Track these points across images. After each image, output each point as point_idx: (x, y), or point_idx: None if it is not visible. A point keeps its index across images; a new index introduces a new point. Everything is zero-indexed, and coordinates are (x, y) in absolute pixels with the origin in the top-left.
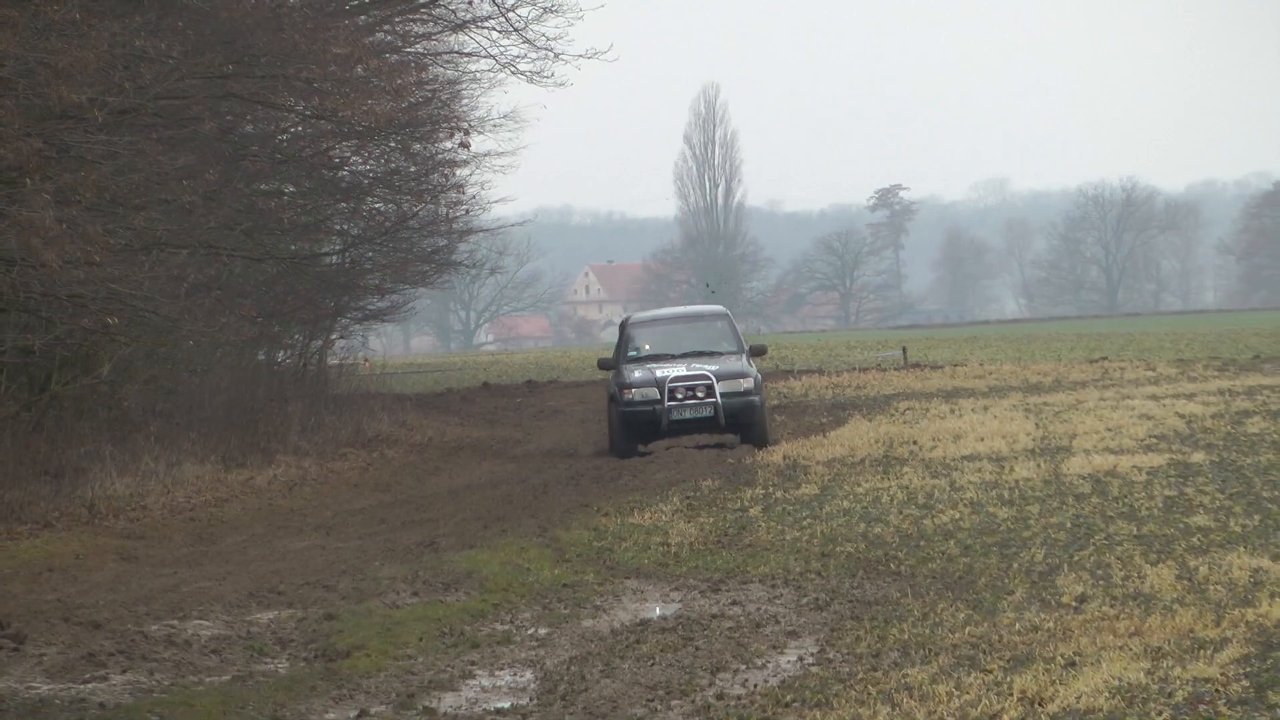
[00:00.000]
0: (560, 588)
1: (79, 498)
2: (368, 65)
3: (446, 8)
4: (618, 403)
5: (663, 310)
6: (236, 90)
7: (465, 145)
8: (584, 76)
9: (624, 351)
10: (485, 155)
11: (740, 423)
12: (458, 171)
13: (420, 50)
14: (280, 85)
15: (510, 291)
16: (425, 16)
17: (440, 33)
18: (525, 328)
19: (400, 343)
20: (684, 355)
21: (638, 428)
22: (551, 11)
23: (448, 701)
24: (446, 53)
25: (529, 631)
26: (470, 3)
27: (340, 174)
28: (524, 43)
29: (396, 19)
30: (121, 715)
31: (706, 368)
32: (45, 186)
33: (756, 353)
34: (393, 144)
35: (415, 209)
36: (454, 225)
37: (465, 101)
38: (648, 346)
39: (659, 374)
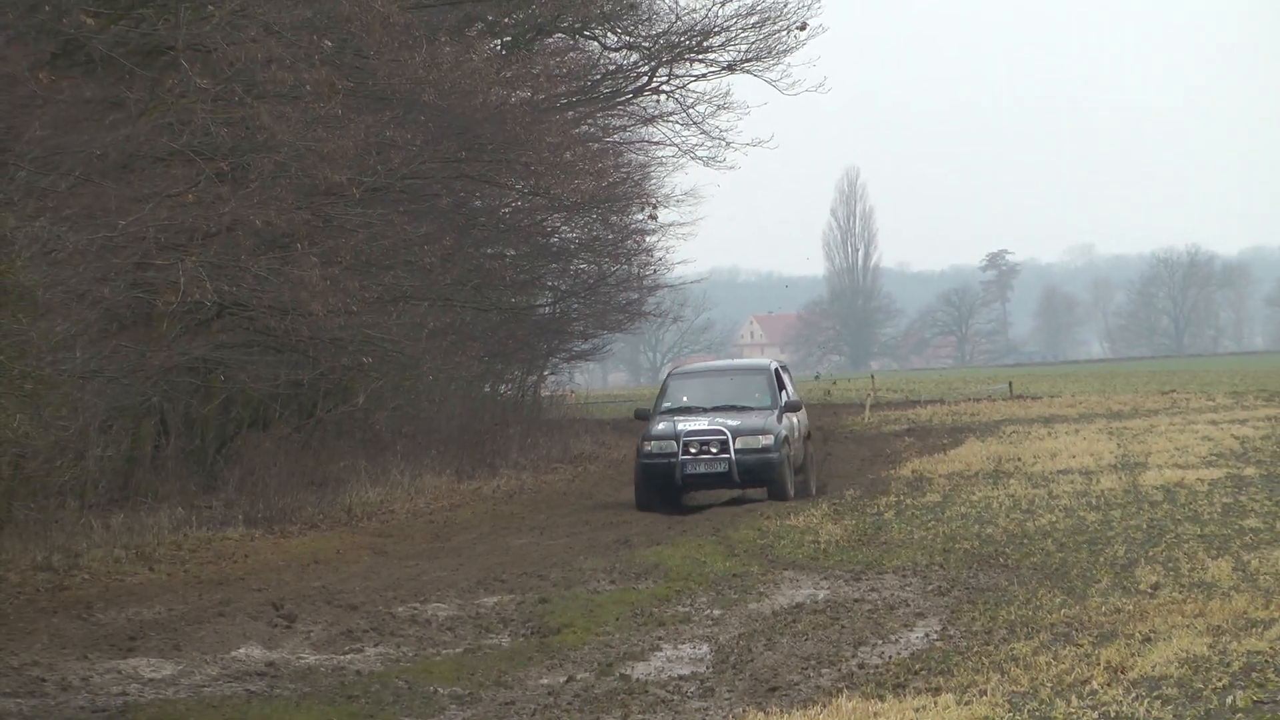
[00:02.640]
0: (730, 577)
1: (339, 503)
2: (574, 152)
3: (639, 106)
4: (639, 454)
5: (709, 363)
6: (468, 172)
7: (653, 217)
8: (749, 160)
9: (659, 403)
10: (669, 225)
11: (757, 479)
12: (647, 238)
13: (617, 139)
14: (503, 168)
15: (689, 336)
16: (621, 112)
17: (633, 125)
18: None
19: (599, 378)
20: (713, 409)
21: (654, 481)
22: (723, 109)
23: (639, 670)
24: (638, 141)
25: (705, 613)
26: (657, 101)
27: (551, 240)
28: (701, 134)
29: (598, 114)
30: (374, 681)
31: (727, 423)
32: (312, 250)
33: (791, 409)
34: (594, 216)
35: (612, 269)
36: (644, 283)
37: (653, 181)
38: (685, 399)
39: (679, 427)
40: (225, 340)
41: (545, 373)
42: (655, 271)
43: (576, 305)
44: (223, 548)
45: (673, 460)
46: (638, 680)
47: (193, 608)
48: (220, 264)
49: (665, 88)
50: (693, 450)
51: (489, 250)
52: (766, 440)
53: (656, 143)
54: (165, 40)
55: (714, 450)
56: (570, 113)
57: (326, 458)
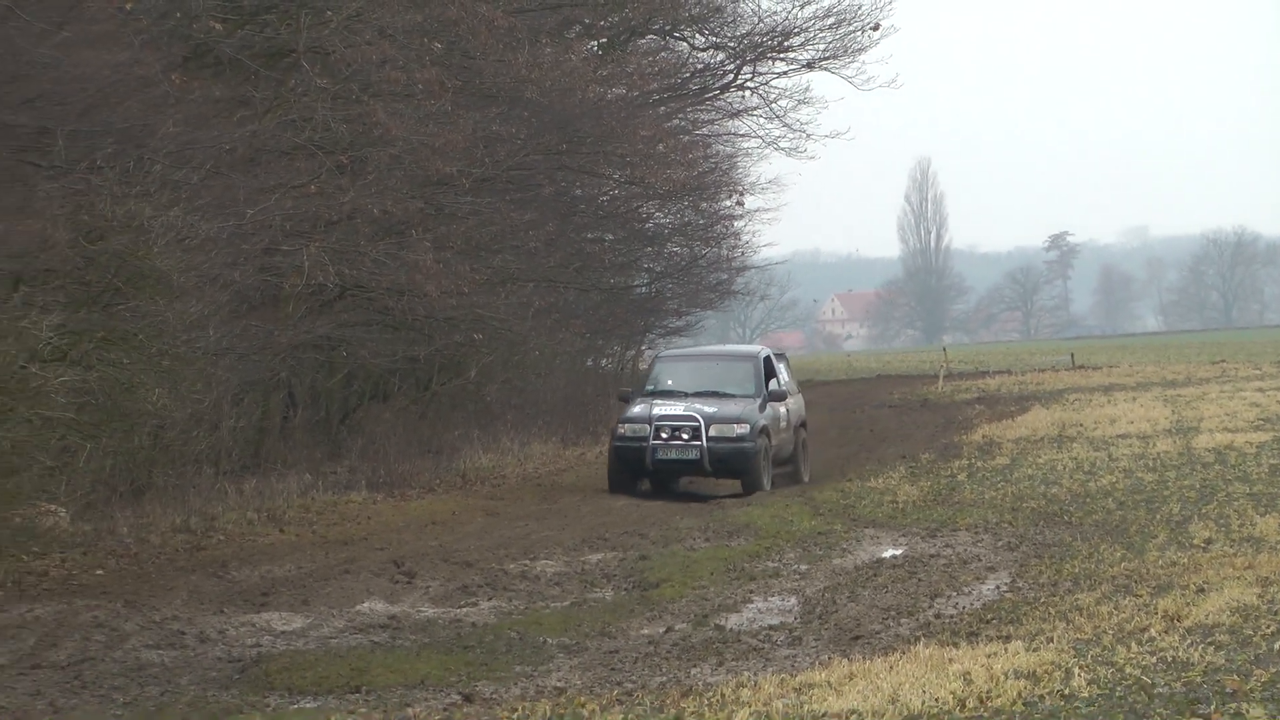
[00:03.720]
0: (816, 534)
1: (454, 469)
2: (667, 144)
3: (725, 101)
4: (612, 436)
5: (699, 347)
6: (568, 163)
7: (740, 203)
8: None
9: (644, 385)
10: (755, 211)
11: (730, 469)
12: (735, 223)
13: (706, 132)
14: (601, 159)
15: (775, 313)
16: (709, 107)
17: (720, 119)
18: (787, 340)
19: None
20: (695, 394)
21: (625, 464)
22: (804, 103)
23: (733, 620)
24: (725, 134)
25: (793, 568)
26: (743, 97)
27: (647, 226)
28: (783, 126)
29: (688, 109)
30: (488, 632)
31: (702, 409)
32: (426, 236)
33: (776, 398)
34: (686, 203)
35: (703, 252)
36: (732, 264)
37: (740, 170)
38: (670, 382)
39: (654, 411)
40: (347, 319)
41: (642, 347)
42: (743, 254)
43: (670, 285)
44: (347, 510)
45: (644, 445)
46: (731, 630)
47: (320, 566)
48: (341, 249)
49: (749, 84)
50: (664, 435)
51: (589, 235)
52: (741, 429)
53: (742, 135)
54: (288, 43)
55: (685, 436)
56: (662, 108)
57: (442, 427)
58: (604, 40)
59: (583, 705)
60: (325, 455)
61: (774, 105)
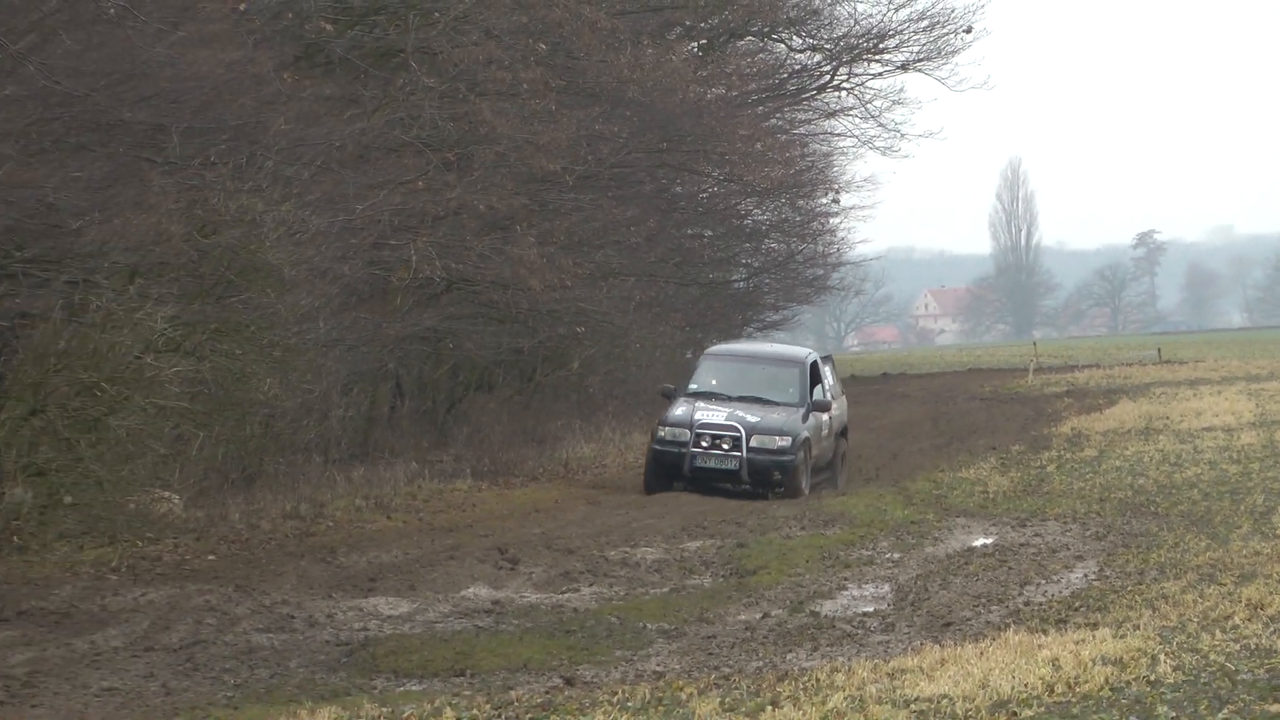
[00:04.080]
0: (908, 524)
1: (556, 458)
2: (765, 143)
3: (822, 101)
4: (652, 438)
5: (745, 345)
6: (669, 161)
7: (836, 201)
8: (921, 148)
9: (688, 383)
10: (850, 208)
11: (768, 481)
12: (831, 220)
13: (802, 132)
14: (701, 157)
15: (869, 308)
16: (806, 107)
17: (817, 119)
18: (881, 334)
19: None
20: (738, 399)
21: (664, 468)
22: (898, 104)
23: (827, 606)
24: (821, 133)
25: (886, 556)
26: (839, 98)
27: (745, 222)
28: (878, 126)
29: (785, 109)
30: (590, 617)
31: (746, 418)
32: (530, 231)
33: (819, 408)
34: (783, 200)
35: (800, 248)
36: (828, 260)
37: (836, 168)
38: (714, 382)
39: (695, 416)
40: (453, 312)
41: (740, 340)
42: (838, 250)
43: (768, 280)
44: (452, 498)
45: (684, 450)
46: (826, 616)
47: (426, 552)
48: (448, 244)
49: (845, 85)
50: (704, 444)
51: (689, 231)
52: (783, 442)
53: (838, 134)
54: (396, 44)
55: (726, 446)
56: (760, 108)
57: (545, 417)
58: (704, 42)
59: (681, 689)
60: (431, 444)
61: (869, 106)
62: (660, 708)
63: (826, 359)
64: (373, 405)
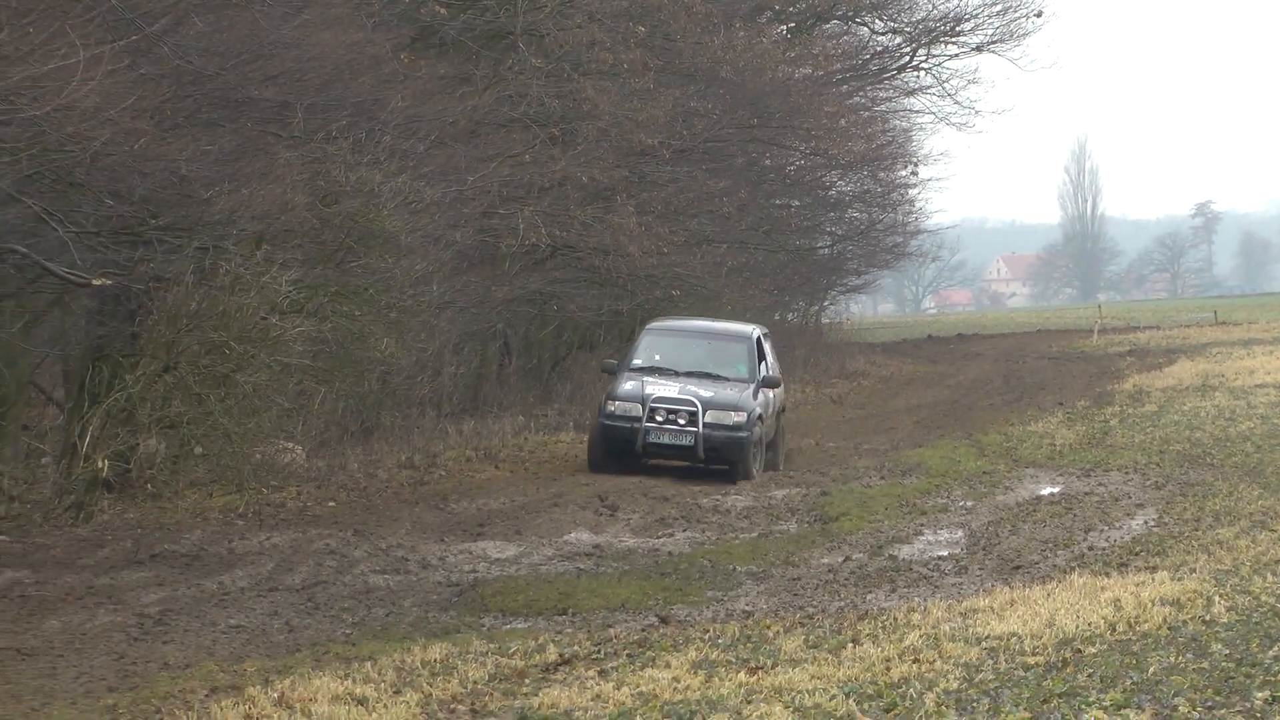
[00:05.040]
0: (981, 474)
1: None
2: (848, 119)
3: (901, 81)
4: (600, 412)
5: (689, 321)
6: (759, 136)
7: (915, 173)
8: (995, 123)
9: (629, 358)
10: (928, 180)
11: (722, 457)
12: (909, 191)
13: (883, 109)
14: (788, 133)
15: (945, 273)
16: (887, 86)
17: (897, 97)
18: (955, 297)
19: (870, 307)
20: (687, 374)
21: (614, 443)
22: (973, 82)
23: (905, 551)
24: (901, 110)
25: (960, 504)
26: (917, 77)
27: (829, 193)
28: (954, 104)
29: (867, 88)
30: (683, 560)
31: (699, 393)
32: (629, 201)
33: (769, 384)
34: (865, 172)
35: (881, 217)
36: (907, 228)
37: (914, 143)
38: (658, 358)
39: (647, 390)
40: (557, 276)
41: (825, 303)
42: (916, 219)
43: (850, 247)
44: (556, 449)
45: (636, 426)
46: (903, 560)
47: (531, 500)
48: (552, 213)
49: (924, 66)
50: (659, 418)
51: (777, 201)
52: (738, 418)
53: (917, 111)
54: (505, 26)
55: (681, 422)
56: (844, 86)
57: None
58: (792, 25)
59: (768, 627)
60: (537, 399)
61: (946, 85)
62: (749, 644)
63: (767, 335)
64: (482, 363)
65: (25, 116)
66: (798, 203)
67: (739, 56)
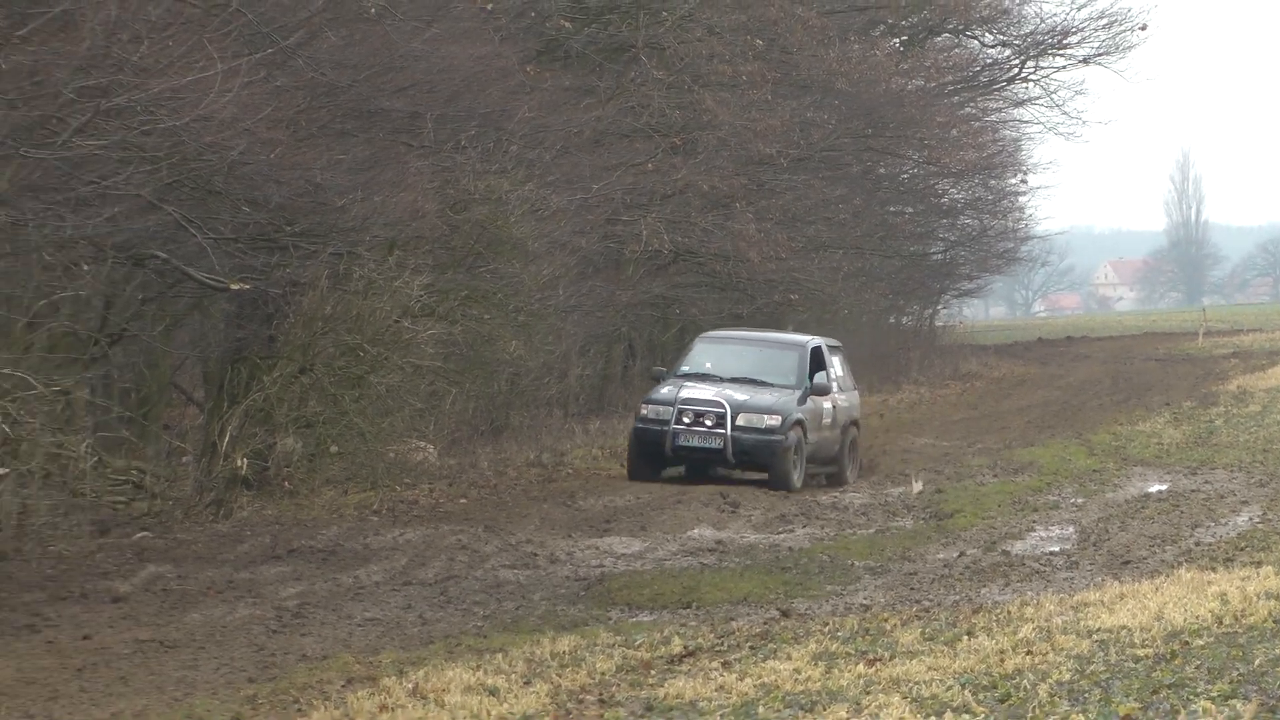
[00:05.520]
0: (1090, 472)
1: None
2: (959, 129)
3: (1011, 92)
4: (636, 418)
5: (745, 331)
6: (873, 145)
7: (1024, 181)
8: (1101, 132)
9: (679, 365)
10: (1037, 188)
11: (755, 462)
12: (1019, 198)
13: (993, 119)
14: (902, 142)
15: (1054, 277)
16: (997, 97)
17: (1006, 108)
18: (1064, 301)
19: (982, 311)
20: (731, 380)
21: (645, 446)
22: (1079, 93)
23: (1017, 547)
24: (1011, 120)
25: (1070, 501)
26: (1026, 88)
27: (942, 200)
28: (1062, 114)
29: (978, 99)
30: (803, 556)
31: (733, 396)
32: (748, 208)
33: (818, 391)
34: (976, 180)
35: (992, 224)
36: (1017, 234)
37: (1024, 152)
38: (708, 365)
39: (680, 394)
40: (679, 281)
41: (938, 307)
42: (1026, 225)
43: (963, 253)
44: None
45: (665, 429)
46: (1016, 555)
47: (655, 497)
48: (674, 220)
49: (1032, 77)
50: (686, 420)
51: (891, 208)
52: (772, 421)
53: (1026, 121)
54: (628, 39)
55: (709, 423)
56: (955, 97)
57: None
58: (905, 38)
59: (885, 620)
60: None
61: (1053, 96)
62: (867, 637)
63: (836, 348)
64: (607, 364)
65: (165, 127)
66: (911, 210)
67: (854, 69)
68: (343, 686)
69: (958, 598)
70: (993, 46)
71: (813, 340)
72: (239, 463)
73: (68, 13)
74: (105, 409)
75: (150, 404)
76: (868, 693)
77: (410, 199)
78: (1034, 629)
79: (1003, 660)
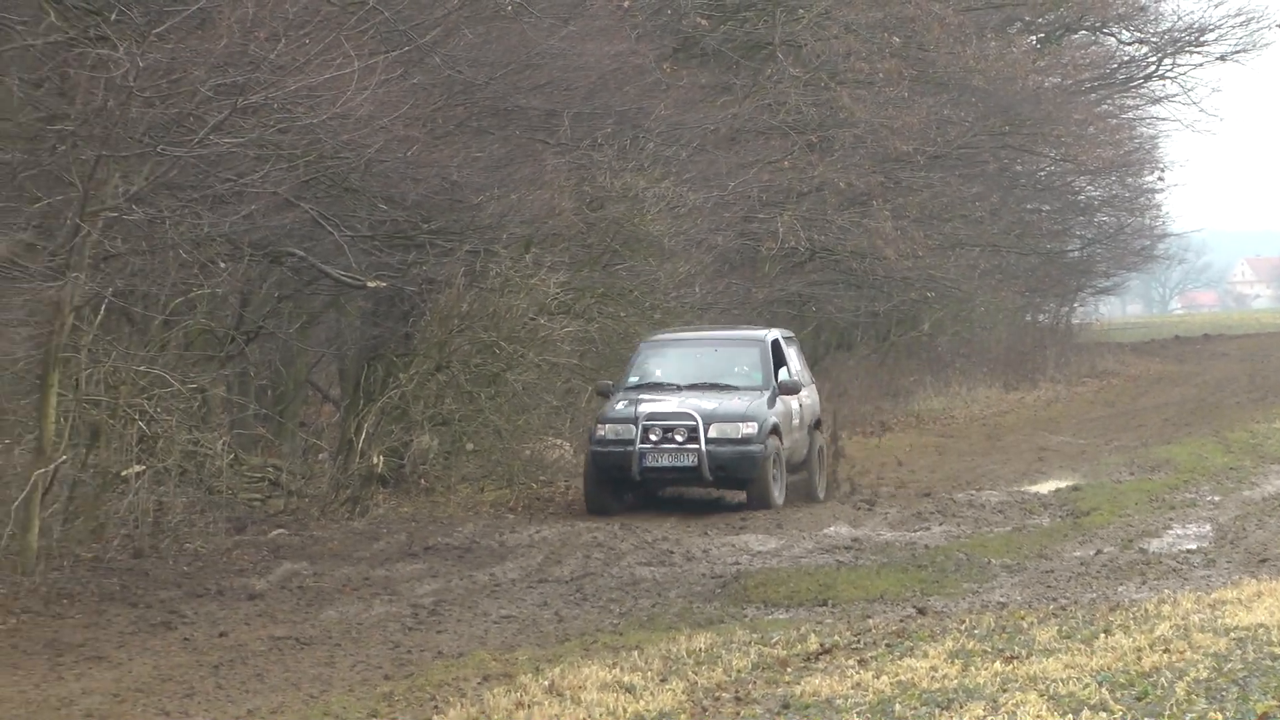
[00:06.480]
0: (1227, 469)
1: (909, 410)
2: (1096, 126)
3: (1148, 89)
4: (590, 440)
5: (694, 330)
6: (1010, 143)
7: (1161, 178)
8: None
9: (625, 376)
10: (1174, 185)
11: (733, 478)
12: (1156, 196)
13: (1130, 116)
14: (1038, 139)
15: (1191, 275)
16: (1134, 95)
17: (1143, 105)
18: (1201, 298)
19: (1119, 308)
20: (690, 387)
21: (606, 472)
22: (1216, 91)
23: (1154, 545)
24: (1148, 118)
25: (1207, 499)
26: (1163, 85)
27: (1078, 198)
28: (1200, 112)
29: (1114, 96)
30: (939, 553)
31: (701, 404)
32: (885, 206)
33: (788, 390)
34: (1113, 178)
35: (1128, 221)
36: (1154, 231)
37: (1160, 149)
38: (659, 373)
39: (640, 409)
40: (815, 279)
41: (1075, 304)
42: (1163, 223)
43: (1099, 250)
44: None
45: (629, 449)
46: (1153, 553)
47: (790, 494)
48: (811, 217)
49: (1169, 75)
50: (654, 438)
51: (1028, 206)
52: (748, 429)
53: (1162, 119)
54: (764, 37)
55: (680, 439)
56: (1092, 95)
57: (898, 373)
58: (1042, 35)
59: (1022, 618)
60: None
61: (1190, 93)
62: (1004, 634)
63: (790, 339)
64: None
65: (302, 124)
66: (1048, 207)
67: (990, 66)
68: (479, 684)
69: (1094, 595)
70: (1129, 44)
71: (771, 333)
72: (375, 460)
73: (205, 11)
74: (241, 406)
75: (286, 401)
76: (1004, 690)
77: (546, 196)
78: (1171, 627)
79: (1140, 658)
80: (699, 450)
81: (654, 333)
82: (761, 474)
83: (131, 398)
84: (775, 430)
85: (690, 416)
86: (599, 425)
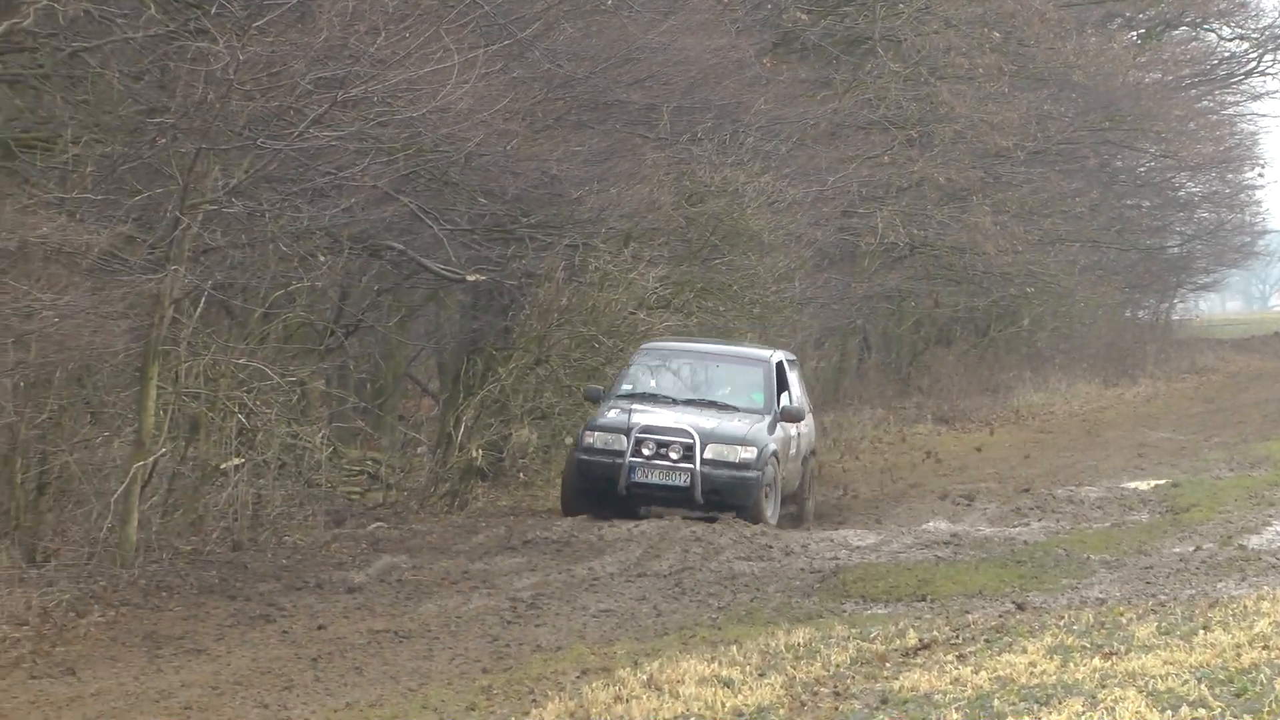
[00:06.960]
0: None
1: (1008, 405)
2: (1196, 122)
3: (1249, 85)
4: (576, 446)
5: (695, 342)
6: (1110, 139)
7: (1261, 174)
8: None
9: (618, 384)
10: (1273, 182)
11: (726, 502)
12: (1256, 192)
13: (1230, 112)
14: (1139, 135)
15: None
16: (1234, 91)
17: (1244, 101)
18: None
19: (1219, 304)
20: (688, 403)
21: (591, 482)
22: None
23: (1254, 541)
24: (1248, 114)
25: None
26: (1264, 82)
27: (1179, 194)
28: None
29: (1215, 92)
30: (1038, 549)
31: (699, 423)
32: (985, 201)
33: (790, 417)
34: (1213, 174)
35: (1228, 217)
36: (1254, 228)
37: (1261, 145)
38: (654, 384)
39: (634, 419)
40: (914, 274)
41: (1175, 300)
42: (1263, 219)
43: (1199, 246)
44: (914, 440)
45: (618, 462)
46: (1252, 549)
47: (890, 489)
48: (910, 212)
49: (1270, 71)
50: (646, 452)
51: (1128, 202)
52: (747, 454)
53: (1263, 115)
54: (864, 32)
55: (674, 456)
56: (1193, 91)
57: (997, 369)
58: (1142, 31)
59: (1121, 614)
60: (895, 393)
61: None
62: (1103, 630)
63: (793, 362)
64: (843, 357)
65: (402, 118)
66: (1148, 203)
67: (1090, 61)
68: (577, 677)
69: (1193, 592)
70: (1230, 40)
71: (776, 354)
72: (474, 454)
73: (305, 4)
74: (341, 399)
75: (385, 395)
76: (1103, 686)
77: (646, 191)
78: (1270, 624)
79: (1239, 655)
80: (693, 471)
81: (651, 340)
82: (756, 501)
83: (231, 391)
84: (774, 457)
85: (687, 434)
86: (587, 432)
